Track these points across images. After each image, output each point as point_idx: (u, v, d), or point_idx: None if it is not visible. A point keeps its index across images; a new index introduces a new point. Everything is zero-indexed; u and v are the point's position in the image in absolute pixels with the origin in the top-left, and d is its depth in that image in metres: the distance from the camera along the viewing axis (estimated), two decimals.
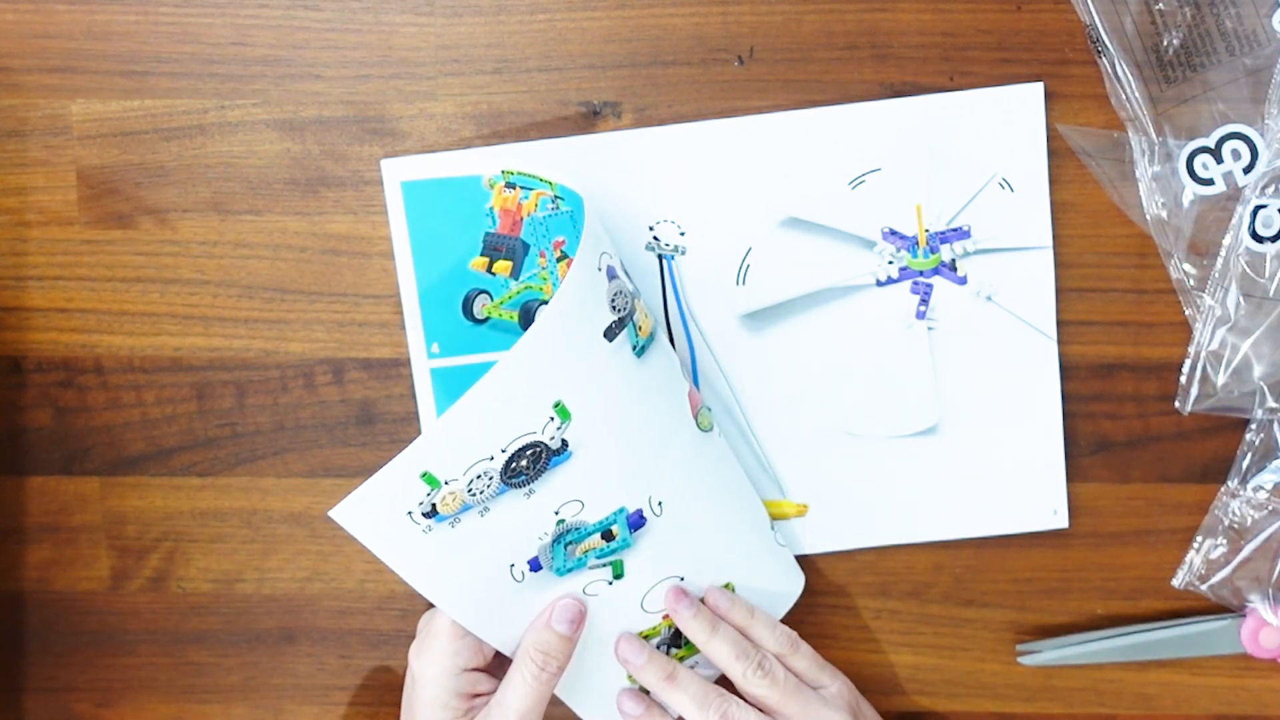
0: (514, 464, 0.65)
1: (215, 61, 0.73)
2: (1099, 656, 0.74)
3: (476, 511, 0.66)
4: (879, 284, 0.73)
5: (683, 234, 0.73)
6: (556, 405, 0.65)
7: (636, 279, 0.72)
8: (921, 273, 0.73)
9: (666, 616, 0.71)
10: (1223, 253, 0.71)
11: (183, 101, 0.73)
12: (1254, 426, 0.73)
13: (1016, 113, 0.71)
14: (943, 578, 0.76)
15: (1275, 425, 0.73)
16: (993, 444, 0.74)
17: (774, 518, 0.74)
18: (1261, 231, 0.71)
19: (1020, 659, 0.75)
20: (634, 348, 0.67)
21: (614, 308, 0.66)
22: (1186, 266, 0.72)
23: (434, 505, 0.65)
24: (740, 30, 0.72)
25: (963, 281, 0.73)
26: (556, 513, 0.67)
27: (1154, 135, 0.71)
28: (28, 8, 0.73)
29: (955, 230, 0.72)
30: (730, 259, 0.73)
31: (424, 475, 0.64)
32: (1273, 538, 0.73)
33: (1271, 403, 0.72)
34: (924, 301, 0.73)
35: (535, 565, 0.68)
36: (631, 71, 0.72)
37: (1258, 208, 0.71)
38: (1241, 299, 0.71)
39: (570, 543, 0.68)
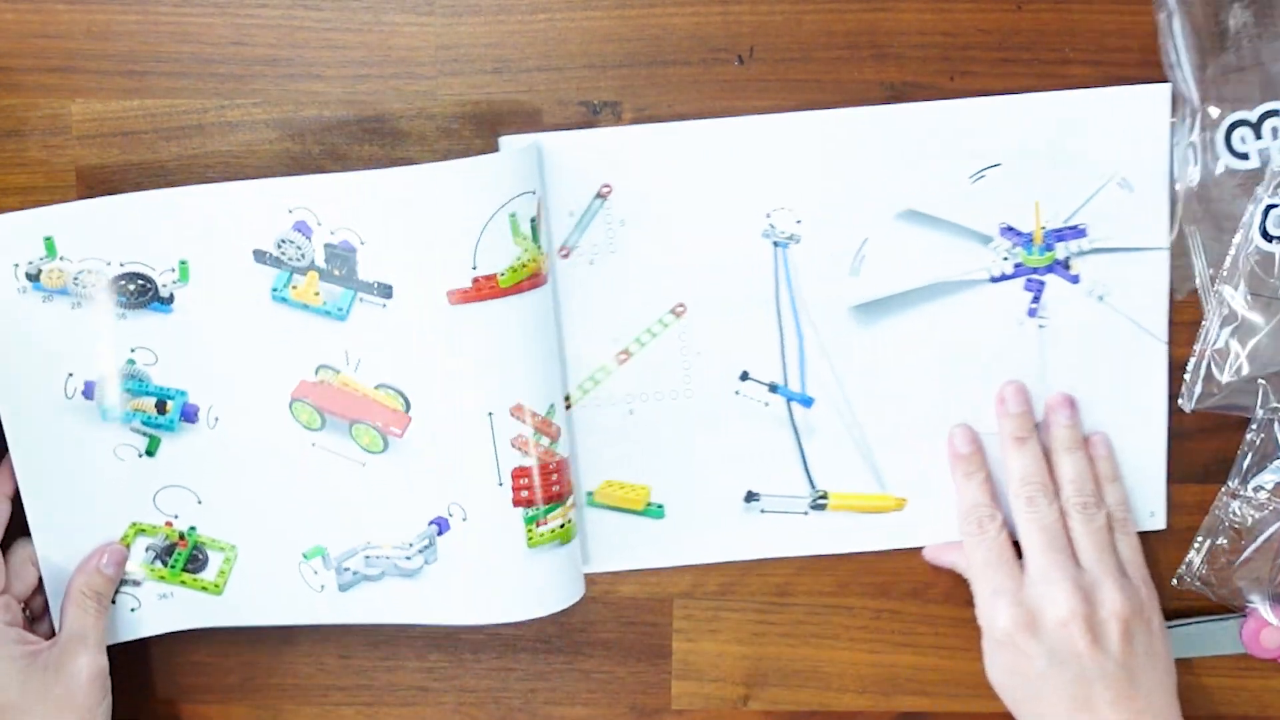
0: (122, 281, 0.70)
1: (215, 61, 0.73)
2: None
3: (70, 302, 0.70)
4: (992, 280, 0.73)
5: (799, 222, 0.72)
6: (183, 263, 0.70)
7: (749, 265, 0.72)
8: (1035, 270, 0.72)
9: (170, 524, 0.73)
10: (1232, 251, 0.71)
11: (183, 101, 0.73)
12: (1255, 426, 0.73)
13: (1140, 113, 0.71)
14: (943, 578, 0.76)
15: (1276, 425, 0.73)
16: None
17: (871, 511, 0.74)
18: (1272, 231, 0.71)
19: None
20: (273, 291, 0.70)
21: (279, 246, 0.70)
22: (1205, 239, 0.72)
23: (40, 271, 0.69)
24: (740, 30, 0.72)
25: (1076, 280, 0.73)
26: (133, 351, 0.71)
27: (1197, 101, 0.71)
28: (28, 8, 0.73)
29: (1072, 228, 0.72)
30: (846, 249, 0.72)
31: (46, 239, 0.69)
32: (1273, 538, 0.73)
33: (1274, 402, 0.72)
34: (1036, 299, 0.73)
35: (89, 391, 0.71)
36: (631, 71, 0.72)
37: (1269, 207, 0.70)
38: (1249, 297, 0.71)
39: (129, 390, 0.71)
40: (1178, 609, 0.75)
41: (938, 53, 0.72)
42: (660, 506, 0.74)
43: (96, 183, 0.73)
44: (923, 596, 0.76)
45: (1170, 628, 0.73)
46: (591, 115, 0.72)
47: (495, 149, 0.72)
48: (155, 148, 0.73)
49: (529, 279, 0.69)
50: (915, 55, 0.72)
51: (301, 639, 0.77)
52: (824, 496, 0.74)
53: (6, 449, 0.72)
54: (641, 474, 0.74)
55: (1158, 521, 0.74)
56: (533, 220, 0.69)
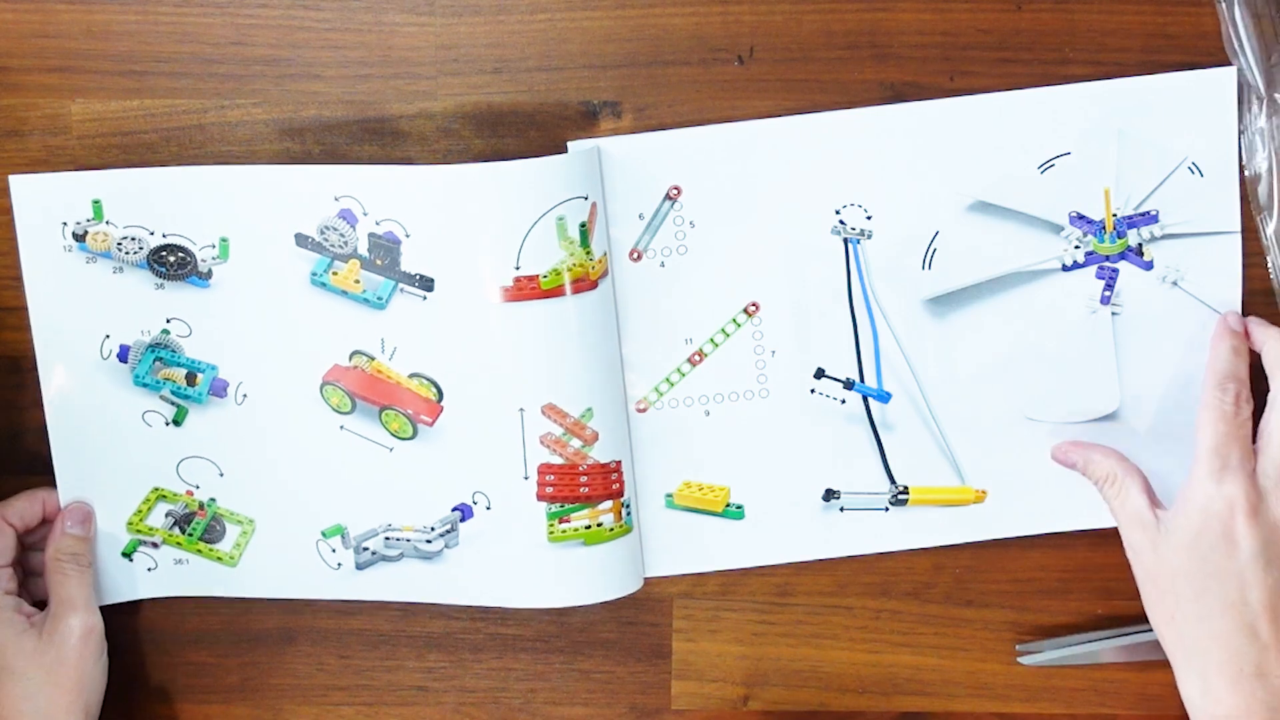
0: (163, 252, 0.72)
1: (215, 61, 0.73)
2: (1099, 656, 0.74)
3: (113, 266, 0.72)
4: (1064, 269, 0.73)
5: (869, 218, 0.72)
6: (224, 240, 0.71)
7: (820, 262, 0.72)
8: (1108, 257, 0.72)
9: (191, 494, 0.74)
10: None
11: (183, 101, 0.73)
12: None
13: (1207, 97, 0.71)
14: (943, 578, 0.76)
15: None
16: (1174, 430, 0.73)
17: (952, 504, 0.74)
18: None
19: (1020, 659, 0.75)
20: (312, 275, 0.71)
21: (322, 232, 0.70)
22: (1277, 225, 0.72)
23: (85, 232, 0.71)
24: (740, 30, 0.72)
25: (1149, 266, 0.73)
26: (168, 321, 0.72)
27: (1263, 89, 0.70)
28: (28, 8, 0.73)
29: (1143, 215, 0.72)
30: (917, 243, 0.72)
31: (94, 202, 0.71)
32: None
33: None
34: (1109, 287, 0.73)
35: (124, 355, 0.73)
36: (631, 71, 0.72)
37: None
38: None
39: (161, 358, 0.73)
40: None
41: (938, 53, 0.72)
42: (740, 507, 0.74)
43: None
44: (922, 596, 0.76)
45: None
46: (591, 115, 0.72)
47: (495, 149, 0.72)
48: (155, 148, 0.73)
49: (573, 283, 0.70)
50: (915, 55, 0.72)
51: (301, 639, 0.77)
52: (905, 492, 0.74)
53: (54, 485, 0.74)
54: (720, 475, 0.74)
55: None
56: (582, 225, 0.69)
